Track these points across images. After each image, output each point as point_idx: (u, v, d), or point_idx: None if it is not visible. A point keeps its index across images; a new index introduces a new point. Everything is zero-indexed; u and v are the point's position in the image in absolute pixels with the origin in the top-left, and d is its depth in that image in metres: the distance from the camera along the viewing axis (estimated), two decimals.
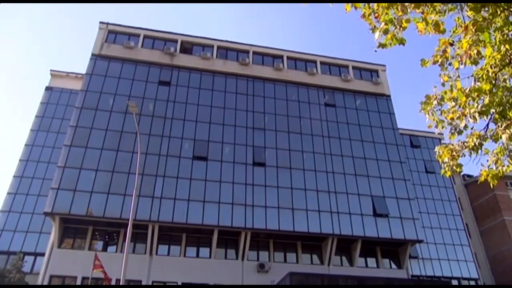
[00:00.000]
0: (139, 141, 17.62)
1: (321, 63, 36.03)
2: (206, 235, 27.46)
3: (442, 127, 5.75)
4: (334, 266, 27.93)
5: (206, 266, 26.56)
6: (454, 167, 5.63)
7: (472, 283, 33.44)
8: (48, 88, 38.75)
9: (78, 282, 24.46)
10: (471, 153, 5.47)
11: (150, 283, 25.26)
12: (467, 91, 5.34)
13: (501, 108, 5.13)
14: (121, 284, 14.27)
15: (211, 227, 26.69)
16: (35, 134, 35.92)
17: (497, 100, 5.12)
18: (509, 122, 5.11)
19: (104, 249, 26.89)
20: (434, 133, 36.16)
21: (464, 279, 33.08)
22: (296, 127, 32.03)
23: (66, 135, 28.49)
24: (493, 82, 5.09)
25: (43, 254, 26.75)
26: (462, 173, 42.62)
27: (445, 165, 5.69)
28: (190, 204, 26.88)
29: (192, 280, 25.93)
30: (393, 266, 30.14)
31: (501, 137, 5.13)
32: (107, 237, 27.47)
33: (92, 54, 31.69)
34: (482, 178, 5.43)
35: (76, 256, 25.29)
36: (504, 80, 5.14)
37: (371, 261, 29.89)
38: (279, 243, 28.90)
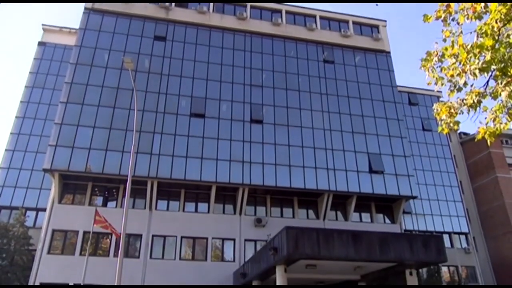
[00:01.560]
0: (135, 98, 17.46)
1: (321, 17, 35.16)
2: (204, 191, 27.92)
3: (442, 84, 5.70)
4: (329, 221, 28.72)
5: (205, 220, 27.20)
6: (452, 125, 5.63)
7: (463, 237, 34.51)
8: (41, 43, 37.84)
9: (80, 236, 25.11)
10: (469, 110, 5.45)
11: (150, 237, 25.96)
12: (468, 47, 5.25)
13: (503, 65, 5.06)
14: (121, 237, 14.62)
15: (209, 183, 27.07)
16: (30, 91, 35.47)
17: (498, 56, 5.04)
18: (509, 79, 5.06)
19: (104, 204, 27.37)
20: (432, 90, 35.76)
21: (455, 233, 34.13)
22: (294, 84, 31.75)
23: (62, 92, 28.21)
24: (496, 38, 5.00)
25: (44, 210, 27.27)
26: (458, 131, 42.84)
27: (443, 122, 5.69)
28: (188, 161, 27.12)
29: (191, 234, 26.65)
30: (387, 221, 30.97)
31: (500, 95, 5.09)
32: (106, 193, 27.88)
33: (85, 8, 30.75)
34: (480, 136, 5.45)
35: (77, 211, 25.80)
36: (508, 36, 5.04)
37: (366, 216, 30.69)
38: (276, 198, 29.47)
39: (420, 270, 22.25)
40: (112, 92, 28.32)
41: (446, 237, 31.92)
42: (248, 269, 21.32)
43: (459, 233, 34.37)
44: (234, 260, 26.45)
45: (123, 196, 26.35)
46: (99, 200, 27.73)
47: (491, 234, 36.91)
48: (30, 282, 23.55)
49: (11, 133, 33.89)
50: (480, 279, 32.86)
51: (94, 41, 29.74)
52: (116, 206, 27.01)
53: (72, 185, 27.20)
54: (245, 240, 27.18)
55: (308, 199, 29.74)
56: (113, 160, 26.03)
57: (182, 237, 26.53)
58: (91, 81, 28.36)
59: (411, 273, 17.00)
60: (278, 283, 16.12)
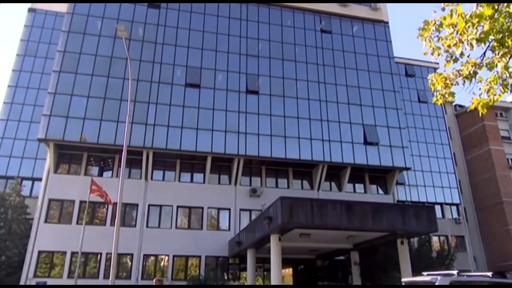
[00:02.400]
0: (130, 67, 17.21)
1: None
2: (200, 161, 28.04)
3: (438, 55, 5.65)
4: (324, 192, 29.08)
5: (200, 190, 27.45)
6: (446, 95, 5.63)
7: (454, 208, 35.11)
8: (31, 10, 36.89)
9: (76, 206, 25.33)
10: (464, 81, 5.44)
11: (146, 207, 26.23)
12: (467, 16, 5.19)
13: (501, 35, 5.01)
14: (118, 206, 14.77)
15: (204, 153, 27.15)
16: (22, 59, 34.82)
17: (497, 26, 4.99)
18: (506, 50, 5.03)
19: (100, 174, 27.48)
20: (430, 62, 35.48)
21: (447, 204, 34.70)
22: (290, 55, 31.38)
23: (55, 61, 27.79)
24: (496, 7, 4.93)
25: (40, 179, 27.35)
26: (454, 103, 42.87)
27: (438, 93, 5.68)
28: (184, 131, 27.08)
29: (187, 204, 26.96)
30: (380, 191, 31.41)
31: (496, 66, 5.06)
32: (102, 162, 27.93)
33: None
34: (473, 107, 5.44)
35: (73, 181, 25.91)
36: (508, 5, 4.96)
37: (359, 187, 31.09)
38: (271, 169, 29.68)
39: (411, 239, 22.73)
40: (106, 61, 27.91)
41: (437, 208, 32.44)
42: (243, 237, 21.71)
43: (450, 204, 34.96)
44: (229, 229, 26.89)
45: (119, 166, 26.46)
46: (94, 170, 27.80)
47: (481, 205, 37.60)
48: (29, 250, 23.89)
49: (4, 103, 33.52)
50: (469, 248, 33.72)
51: (86, 8, 29.06)
52: (112, 176, 27.12)
53: (68, 155, 27.18)
54: (240, 209, 27.54)
55: (303, 170, 29.98)
56: (108, 130, 25.94)
57: (178, 207, 26.83)
58: (84, 50, 27.88)
59: (402, 243, 17.39)
60: (272, 251, 16.46)
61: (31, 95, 33.43)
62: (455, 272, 10.33)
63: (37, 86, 33.68)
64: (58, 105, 26.06)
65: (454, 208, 35.19)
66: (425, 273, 10.67)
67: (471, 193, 38.52)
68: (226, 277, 24.60)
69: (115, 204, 22.80)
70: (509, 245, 33.91)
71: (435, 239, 30.94)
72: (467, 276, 10.48)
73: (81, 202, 24.95)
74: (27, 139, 31.93)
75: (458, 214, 34.95)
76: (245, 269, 23.75)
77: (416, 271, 14.65)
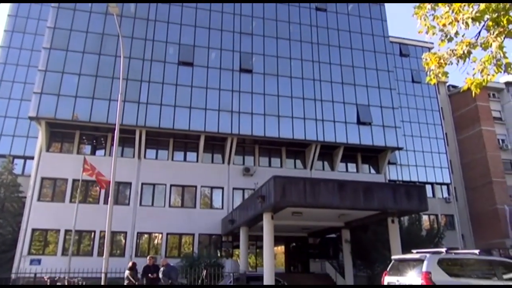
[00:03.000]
0: (121, 44, 16.96)
1: None
2: (193, 140, 27.99)
3: (433, 34, 5.61)
4: (316, 171, 29.29)
5: (193, 169, 27.50)
6: (440, 75, 5.61)
7: (444, 187, 35.60)
8: None
9: (69, 184, 25.29)
10: (458, 61, 5.42)
11: (140, 185, 26.28)
12: None
13: (496, 14, 4.98)
14: (111, 184, 14.79)
15: (197, 132, 27.09)
16: (10, 35, 34.06)
17: (493, 5, 4.96)
18: (502, 29, 5.01)
19: (93, 153, 27.38)
20: (424, 42, 35.25)
21: (438, 183, 35.14)
22: (284, 33, 31.04)
23: (45, 37, 27.24)
24: None
25: (32, 158, 27.18)
26: (447, 84, 42.92)
27: (431, 72, 5.66)
28: (177, 110, 26.93)
29: (180, 182, 27.04)
30: (372, 171, 31.70)
31: (491, 45, 5.04)
32: (94, 141, 27.79)
33: None
34: (466, 87, 5.44)
35: (65, 159, 25.80)
36: None
37: (352, 166, 31.34)
38: (264, 148, 29.75)
39: (402, 218, 23.09)
40: (97, 38, 27.44)
41: (428, 187, 32.86)
42: (236, 216, 21.92)
43: (441, 184, 35.40)
44: (222, 208, 27.10)
45: (112, 144, 26.32)
46: (87, 148, 27.69)
47: (471, 185, 38.14)
48: (22, 228, 23.95)
49: None
50: (457, 227, 34.37)
51: None
52: (104, 155, 27.04)
53: (60, 134, 26.99)
54: (233, 188, 27.70)
55: (296, 149, 30.09)
56: (100, 108, 25.72)
57: (171, 185, 26.92)
58: (75, 26, 27.34)
59: (393, 221, 17.67)
60: (265, 229, 16.65)
61: (21, 73, 32.85)
62: (443, 250, 10.58)
63: (27, 63, 33.06)
64: (49, 83, 25.70)
65: (444, 187, 35.67)
66: (414, 251, 10.89)
67: (461, 173, 39.01)
68: (219, 255, 24.94)
69: (108, 183, 22.84)
70: (496, 224, 34.61)
71: (425, 218, 31.45)
72: (455, 253, 10.73)
73: (74, 180, 24.92)
74: (18, 117, 31.54)
75: (448, 194, 35.47)
76: (238, 247, 24.07)
77: (406, 249, 14.96)
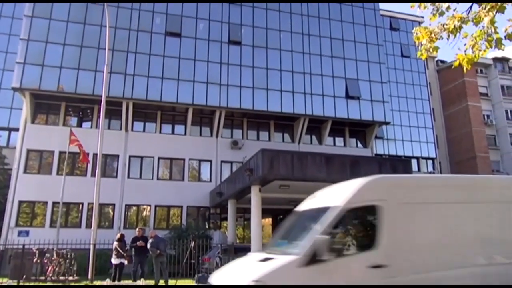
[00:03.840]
0: (107, 13, 16.50)
1: None
2: (181, 113, 27.79)
3: (424, 8, 5.55)
4: (304, 144, 29.44)
5: (181, 142, 27.41)
6: (431, 50, 5.58)
7: (430, 162, 36.18)
8: None
9: (56, 156, 25.05)
10: (449, 36, 5.39)
11: (127, 158, 26.15)
12: None
13: None
14: (98, 158, 14.69)
15: (185, 105, 26.86)
16: None
17: None
18: (494, 4, 4.96)
19: (79, 125, 27.04)
20: (414, 15, 34.82)
21: (423, 158, 35.68)
22: (274, 4, 30.46)
23: (26, 5, 26.28)
24: None
25: (17, 129, 26.71)
26: (436, 59, 42.97)
27: (422, 47, 5.63)
28: (164, 82, 26.57)
29: (168, 155, 26.98)
30: (359, 145, 32.00)
31: (483, 20, 5.02)
32: (81, 113, 27.40)
33: None
34: (457, 63, 5.43)
35: (51, 131, 25.44)
36: None
37: (339, 140, 31.57)
38: (253, 122, 29.71)
39: None
40: (82, 7, 26.62)
41: (414, 162, 33.33)
42: (224, 188, 22.06)
43: (426, 158, 35.95)
44: (210, 180, 27.22)
45: (98, 116, 25.92)
46: (73, 120, 27.31)
47: (456, 159, 38.86)
48: (9, 200, 23.80)
49: None
50: None
51: None
52: (91, 127, 26.73)
53: (45, 105, 26.50)
54: (222, 161, 27.76)
55: (284, 122, 30.11)
56: (86, 79, 25.22)
57: (159, 158, 26.86)
58: None
59: None
60: (252, 202, 16.83)
61: (2, 42, 31.81)
62: None
63: (8, 32, 31.99)
64: (32, 52, 25.01)
65: (429, 162, 36.23)
66: None
67: (447, 148, 39.65)
68: (207, 226, 25.24)
69: (95, 155, 22.70)
70: None
71: None
72: None
73: (60, 152, 24.65)
74: (0, 88, 30.75)
75: (433, 168, 36.09)
76: (226, 219, 24.34)
77: None
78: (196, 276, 14.64)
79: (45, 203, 24.25)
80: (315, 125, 30.26)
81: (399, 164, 17.51)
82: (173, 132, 28.15)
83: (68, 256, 16.04)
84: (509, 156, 38.70)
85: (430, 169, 35.85)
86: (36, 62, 24.83)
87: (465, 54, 5.34)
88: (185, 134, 27.80)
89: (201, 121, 28.64)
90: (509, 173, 36.81)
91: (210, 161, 27.66)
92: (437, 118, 39.76)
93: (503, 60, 42.02)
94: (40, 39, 25.32)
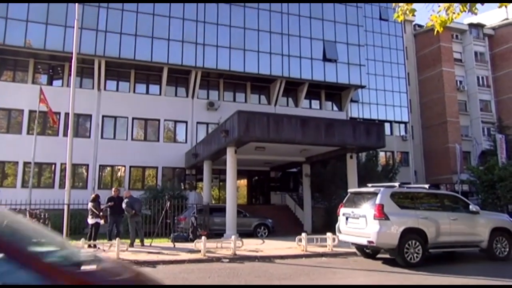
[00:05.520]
0: None
1: None
2: (156, 72, 27.16)
3: None
4: (280, 107, 29.47)
5: (156, 102, 26.97)
6: (408, 12, 5.58)
7: (402, 126, 36.97)
8: None
9: (25, 115, 24.30)
10: None
11: (100, 117, 25.62)
12: None
13: None
14: (70, 117, 14.33)
15: (160, 64, 26.21)
16: None
17: None
18: None
19: (50, 83, 26.12)
20: None
21: (396, 122, 36.39)
22: None
23: None
24: None
25: None
26: (413, 23, 42.98)
27: (399, 9, 5.63)
28: (138, 40, 25.70)
29: (143, 116, 26.58)
30: (335, 108, 32.28)
31: None
32: (51, 70, 26.41)
33: None
34: (430, 24, 5.46)
35: (19, 88, 24.51)
36: None
37: (315, 103, 31.73)
38: (229, 83, 29.39)
39: (360, 154, 24.05)
40: None
41: (387, 125, 33.93)
42: (200, 150, 22.08)
43: (399, 122, 36.68)
44: (186, 142, 27.12)
45: (69, 74, 25.08)
46: (43, 78, 26.34)
47: (427, 124, 39.84)
48: None
49: None
50: (411, 163, 36.30)
51: None
52: (62, 85, 25.87)
53: (12, 61, 25.36)
54: (197, 122, 27.58)
55: (261, 84, 29.92)
56: (55, 35, 24.11)
57: (133, 118, 26.44)
58: None
59: (351, 157, 18.41)
60: (228, 163, 16.95)
61: None
62: (396, 184, 11.26)
63: None
64: None
65: (402, 126, 37.01)
66: (369, 185, 11.51)
67: (419, 112, 40.49)
68: (183, 187, 25.38)
69: (66, 114, 22.13)
70: (447, 161, 36.80)
71: (382, 154, 32.87)
72: (407, 187, 11.46)
73: (30, 111, 23.88)
74: None
75: (405, 132, 36.94)
76: (201, 180, 24.50)
77: (362, 183, 15.75)
78: (171, 235, 14.88)
79: (16, 163, 23.72)
80: (292, 88, 30.21)
81: (372, 128, 17.86)
82: (147, 92, 27.62)
83: (42, 216, 15.93)
84: (478, 122, 39.94)
85: (403, 133, 36.69)
86: None
87: (439, 16, 5.36)
88: (160, 94, 27.31)
89: (176, 81, 28.13)
90: (476, 138, 38.16)
91: (186, 122, 27.43)
92: (411, 82, 40.29)
93: (478, 26, 42.42)
94: None
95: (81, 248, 9.83)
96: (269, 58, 28.38)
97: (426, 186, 11.69)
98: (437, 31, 5.55)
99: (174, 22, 26.63)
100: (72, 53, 14.76)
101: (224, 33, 27.63)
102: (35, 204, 16.88)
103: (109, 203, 13.83)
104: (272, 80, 29.28)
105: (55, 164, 24.18)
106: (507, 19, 43.15)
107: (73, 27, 15.11)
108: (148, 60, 25.82)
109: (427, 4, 5.35)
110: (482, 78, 41.43)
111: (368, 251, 11.22)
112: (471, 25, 41.94)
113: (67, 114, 22.28)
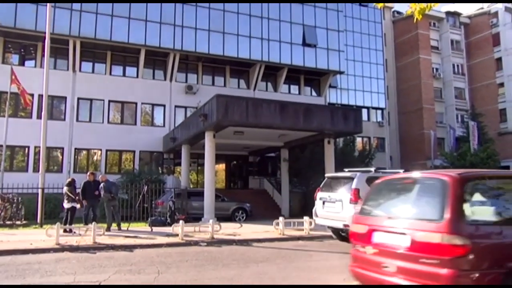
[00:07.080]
0: None
1: None
2: (133, 54, 26.58)
3: None
4: (259, 91, 29.40)
5: (133, 85, 26.49)
6: None
7: (379, 112, 37.50)
8: None
9: None
10: None
11: (75, 100, 25.02)
12: None
13: None
14: (44, 99, 13.95)
15: (137, 46, 25.66)
16: None
17: None
18: None
19: (21, 63, 25.29)
20: None
21: (373, 108, 36.87)
22: None
23: None
24: None
25: None
26: (392, 9, 43.26)
27: None
28: (114, 20, 25.03)
29: (119, 98, 26.10)
30: (314, 93, 32.44)
31: None
32: (23, 50, 25.53)
33: None
34: (410, 11, 5.52)
35: None
36: None
37: (294, 88, 31.80)
38: (208, 66, 29.08)
39: (337, 139, 24.34)
40: None
41: (364, 111, 34.33)
42: (178, 134, 21.90)
43: (376, 108, 37.16)
44: (164, 125, 26.83)
45: (43, 55, 24.27)
46: (15, 58, 25.45)
47: (404, 110, 40.54)
48: None
49: None
50: (387, 149, 36.98)
51: None
52: (35, 66, 25.07)
53: None
54: (175, 106, 27.28)
55: (240, 68, 29.71)
56: (27, 13, 23.22)
57: (109, 101, 25.93)
58: None
59: (329, 142, 18.62)
60: (206, 147, 16.90)
61: None
62: (372, 169, 11.47)
63: None
64: None
65: (379, 112, 37.53)
66: (346, 170, 11.70)
67: (396, 99, 41.10)
68: (160, 171, 25.21)
69: (40, 96, 21.52)
70: (422, 147, 37.67)
71: (359, 139, 33.32)
72: (382, 172, 11.69)
73: (1, 92, 23.09)
74: None
75: (382, 118, 37.51)
76: (179, 164, 24.40)
77: (339, 168, 15.95)
78: (149, 219, 14.81)
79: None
80: (271, 72, 30.13)
81: (350, 113, 18.07)
82: (124, 74, 27.07)
83: (15, 200, 15.60)
84: (452, 109, 40.87)
85: (379, 119, 37.25)
86: None
87: (418, 4, 5.42)
88: (137, 76, 26.81)
89: (154, 64, 27.64)
90: (451, 125, 39.10)
91: (164, 106, 27.09)
92: (389, 69, 40.75)
93: (455, 14, 43.07)
94: None
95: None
96: (248, 42, 28.15)
97: (401, 171, 11.96)
98: (417, 19, 5.61)
99: (152, 3, 26.00)
100: (45, 33, 14.29)
101: (203, 15, 27.19)
102: (8, 188, 16.49)
103: (78, 192, 13.36)
104: (252, 64, 29.11)
105: (28, 147, 23.57)
106: (482, 8, 43.94)
107: (46, 5, 14.60)
108: (125, 41, 25.23)
109: None
110: (457, 66, 42.25)
111: (344, 234, 11.46)
112: (448, 13, 42.54)
113: (40, 96, 21.61)
